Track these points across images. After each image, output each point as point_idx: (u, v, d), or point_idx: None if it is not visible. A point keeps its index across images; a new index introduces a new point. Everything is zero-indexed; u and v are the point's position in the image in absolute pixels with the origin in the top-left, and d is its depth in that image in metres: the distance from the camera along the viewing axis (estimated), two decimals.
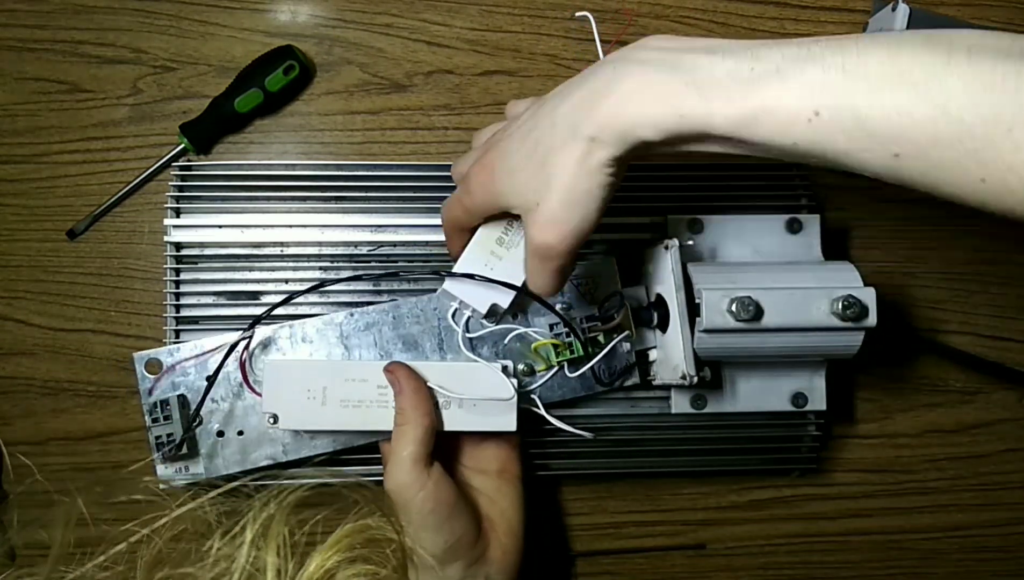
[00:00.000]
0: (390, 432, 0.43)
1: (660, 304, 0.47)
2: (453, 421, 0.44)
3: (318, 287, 0.48)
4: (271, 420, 0.43)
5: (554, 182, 0.35)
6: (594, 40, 0.57)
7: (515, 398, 0.44)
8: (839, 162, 0.31)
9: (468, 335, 0.47)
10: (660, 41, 0.35)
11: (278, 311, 0.49)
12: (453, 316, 0.47)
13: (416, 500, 0.41)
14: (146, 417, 0.46)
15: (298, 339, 0.47)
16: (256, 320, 0.45)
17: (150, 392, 0.46)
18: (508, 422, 0.44)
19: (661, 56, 0.34)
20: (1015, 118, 0.26)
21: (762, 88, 0.31)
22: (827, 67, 0.30)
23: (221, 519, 0.31)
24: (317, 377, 0.44)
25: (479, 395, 0.44)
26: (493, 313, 0.45)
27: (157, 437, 0.45)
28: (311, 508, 0.55)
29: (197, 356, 0.47)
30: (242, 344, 0.45)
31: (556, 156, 0.35)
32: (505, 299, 0.44)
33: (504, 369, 0.45)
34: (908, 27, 0.52)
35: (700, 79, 0.32)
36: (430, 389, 0.43)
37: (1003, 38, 0.28)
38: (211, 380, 0.45)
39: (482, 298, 0.45)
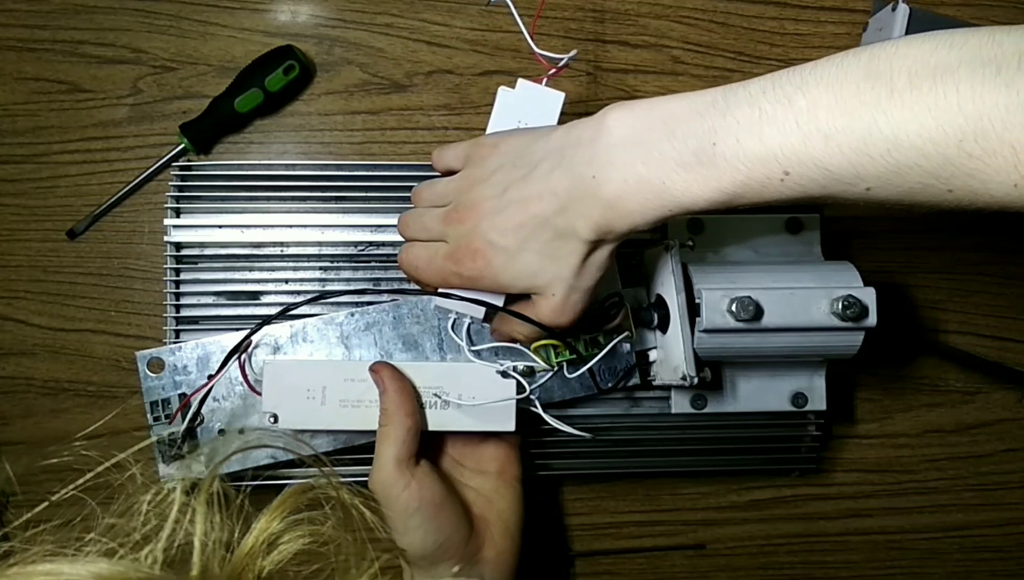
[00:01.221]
0: None
1: (660, 305, 0.47)
2: (452, 421, 0.44)
3: (336, 294, 0.48)
4: (271, 419, 0.43)
5: (561, 278, 0.38)
6: (592, 40, 0.57)
7: (514, 399, 0.44)
8: (822, 200, 0.33)
9: (472, 348, 0.46)
10: (623, 118, 0.35)
11: (278, 311, 0.49)
12: (452, 327, 0.47)
13: (400, 500, 0.41)
14: (148, 416, 0.46)
15: (299, 339, 0.47)
16: (266, 320, 0.45)
17: (152, 391, 0.46)
18: (507, 423, 0.44)
19: (631, 153, 0.34)
20: (962, 131, 0.28)
21: (728, 167, 0.32)
22: (782, 127, 0.31)
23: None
24: (317, 377, 0.44)
25: (479, 395, 0.44)
26: (490, 317, 0.45)
27: (158, 437, 0.45)
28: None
29: (199, 359, 0.46)
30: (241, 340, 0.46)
31: (560, 253, 0.37)
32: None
33: (504, 370, 0.45)
34: (908, 28, 0.52)
35: (672, 171, 0.33)
36: (415, 389, 0.43)
37: (940, 48, 0.29)
38: (211, 381, 0.45)
39: (475, 306, 0.44)
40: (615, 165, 0.35)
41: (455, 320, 0.47)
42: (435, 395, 0.44)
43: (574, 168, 0.36)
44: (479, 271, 0.39)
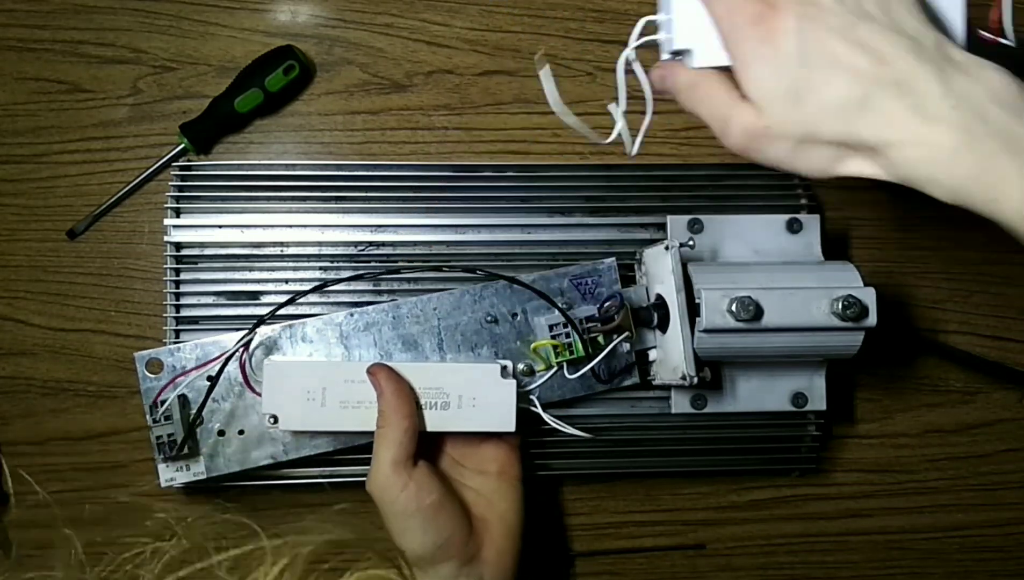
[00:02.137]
0: None
1: (660, 304, 0.47)
2: (452, 422, 0.44)
3: (320, 287, 0.48)
4: (271, 421, 0.44)
5: (806, 130, 0.33)
6: (592, 40, 0.57)
7: (514, 398, 0.44)
8: None
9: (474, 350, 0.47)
10: (1009, 91, 0.31)
11: (279, 311, 0.49)
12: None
13: (397, 502, 0.41)
14: (147, 417, 0.46)
15: (298, 339, 0.47)
16: (259, 321, 0.45)
17: (151, 392, 0.46)
18: (507, 422, 0.44)
19: (1007, 121, 0.30)
20: None
21: None
22: None
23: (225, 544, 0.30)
24: (317, 378, 0.44)
25: (478, 396, 0.44)
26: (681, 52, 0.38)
27: (158, 437, 0.45)
28: (309, 508, 0.55)
29: (199, 359, 0.46)
30: (241, 345, 0.46)
31: (832, 124, 0.32)
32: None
33: (503, 369, 0.45)
34: None
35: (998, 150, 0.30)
36: (413, 391, 0.43)
37: None
38: (213, 381, 0.45)
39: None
40: (985, 115, 0.30)
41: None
42: (434, 396, 0.44)
43: (944, 73, 0.31)
44: (752, 41, 0.33)
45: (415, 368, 0.44)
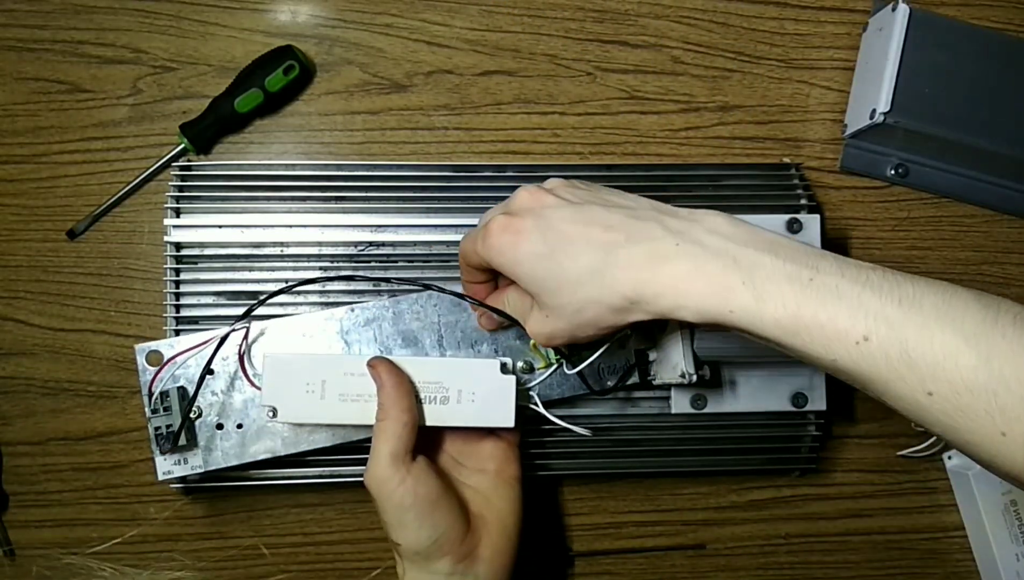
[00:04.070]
0: None
1: None
2: (451, 417, 0.44)
3: (312, 281, 0.48)
4: (270, 413, 0.43)
5: (574, 306, 0.38)
6: (592, 40, 0.57)
7: (514, 394, 0.44)
8: (868, 387, 0.33)
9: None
10: (724, 226, 0.36)
11: (278, 309, 0.49)
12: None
13: (395, 496, 0.41)
14: (146, 408, 0.46)
15: (298, 334, 0.47)
16: (250, 309, 0.45)
17: (150, 384, 0.46)
18: (507, 418, 0.44)
19: (724, 246, 0.35)
20: None
21: (817, 301, 0.33)
22: (884, 296, 0.32)
23: None
24: (316, 371, 0.44)
25: (478, 391, 0.44)
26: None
27: (156, 428, 0.45)
28: (309, 507, 0.55)
29: (198, 345, 0.46)
30: (240, 336, 0.45)
31: (588, 291, 0.37)
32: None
33: (503, 366, 0.45)
34: (908, 28, 0.52)
35: (759, 279, 0.34)
36: (413, 385, 0.43)
37: None
38: (205, 370, 0.45)
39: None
40: (702, 248, 0.35)
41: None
42: (434, 390, 0.44)
43: (655, 239, 0.36)
44: (501, 246, 0.39)
45: (415, 362, 0.44)
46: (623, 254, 0.36)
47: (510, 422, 0.44)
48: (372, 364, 0.43)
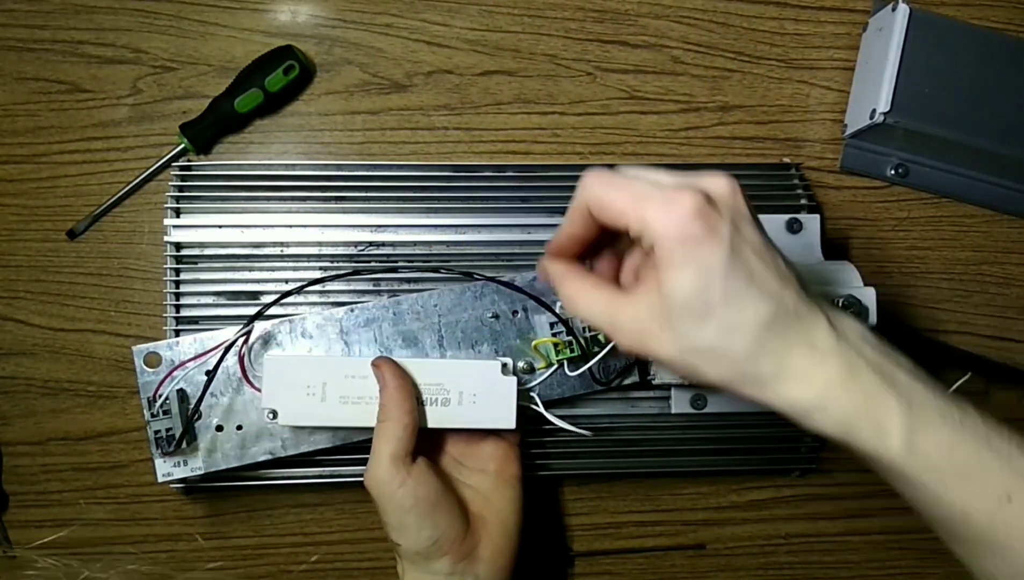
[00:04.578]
0: None
1: None
2: (452, 418, 0.44)
3: (316, 282, 0.48)
4: (270, 416, 0.43)
5: (706, 345, 0.32)
6: (592, 40, 0.57)
7: (515, 396, 0.44)
8: (991, 554, 0.33)
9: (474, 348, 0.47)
10: (871, 335, 0.33)
11: (277, 309, 0.49)
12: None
13: (395, 497, 0.41)
14: (145, 412, 0.46)
15: (298, 335, 0.47)
16: (252, 318, 0.45)
17: (155, 391, 0.46)
18: (508, 419, 0.44)
19: (879, 359, 0.33)
20: None
21: (972, 447, 0.31)
22: None
23: None
24: (317, 373, 0.44)
25: (479, 393, 0.44)
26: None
27: (156, 432, 0.45)
28: (309, 507, 0.55)
29: (197, 353, 0.46)
30: (241, 339, 0.45)
31: (737, 342, 0.32)
32: None
33: (504, 366, 0.45)
34: (908, 28, 0.52)
35: (916, 405, 0.31)
36: (416, 386, 0.43)
37: None
38: (210, 375, 0.45)
39: None
40: (862, 350, 0.33)
41: None
42: (435, 392, 0.44)
43: (823, 308, 0.33)
44: (691, 236, 0.31)
45: (416, 364, 0.44)
46: (783, 324, 0.32)
47: (511, 423, 0.44)
48: (376, 364, 0.43)
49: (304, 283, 0.47)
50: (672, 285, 0.32)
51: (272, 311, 0.49)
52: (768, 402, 0.33)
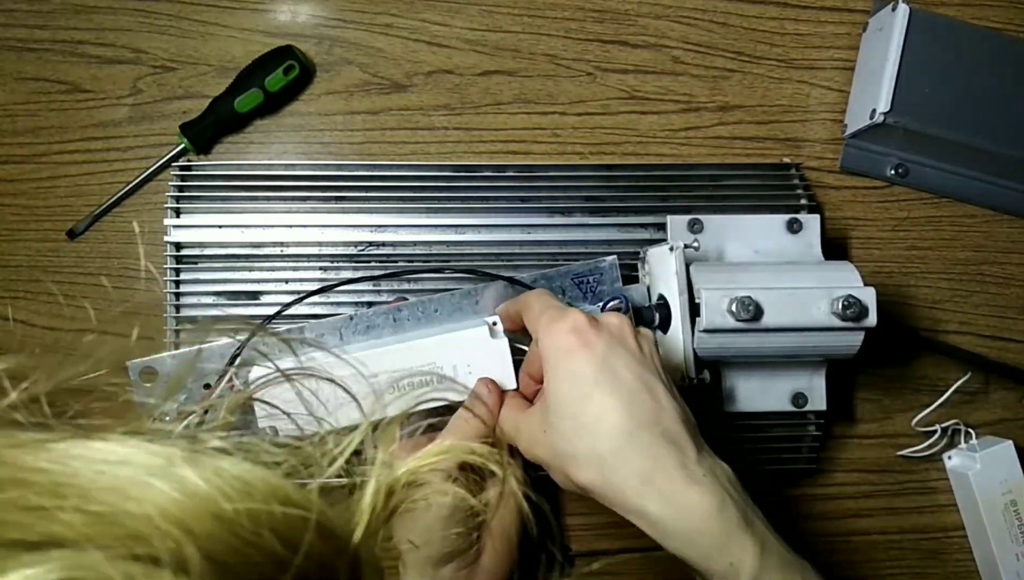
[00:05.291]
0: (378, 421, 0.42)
1: (662, 305, 0.47)
2: (452, 392, 0.44)
3: (320, 291, 0.47)
4: (269, 432, 0.43)
5: (569, 449, 0.36)
6: (592, 40, 0.57)
7: (509, 355, 0.44)
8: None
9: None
10: (737, 482, 0.36)
11: (277, 309, 0.49)
12: None
13: (433, 511, 0.41)
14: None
15: (296, 344, 0.47)
16: (249, 337, 0.44)
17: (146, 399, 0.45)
18: (507, 380, 0.44)
19: (744, 502, 0.35)
20: None
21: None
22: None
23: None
24: (313, 385, 0.43)
25: (473, 362, 0.44)
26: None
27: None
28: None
29: (219, 388, 0.46)
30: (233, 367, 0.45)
31: (595, 446, 0.35)
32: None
33: (492, 327, 0.44)
34: (908, 28, 0.52)
35: (767, 551, 0.34)
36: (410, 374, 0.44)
37: None
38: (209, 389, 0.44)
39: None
40: (729, 490, 0.35)
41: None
42: (430, 372, 0.44)
43: (698, 441, 0.36)
44: (563, 345, 0.36)
45: (404, 349, 0.44)
46: (659, 443, 0.34)
47: (512, 383, 0.44)
48: (487, 385, 0.43)
49: (304, 294, 0.47)
50: (549, 389, 0.36)
51: (272, 312, 0.49)
52: (631, 516, 0.35)
